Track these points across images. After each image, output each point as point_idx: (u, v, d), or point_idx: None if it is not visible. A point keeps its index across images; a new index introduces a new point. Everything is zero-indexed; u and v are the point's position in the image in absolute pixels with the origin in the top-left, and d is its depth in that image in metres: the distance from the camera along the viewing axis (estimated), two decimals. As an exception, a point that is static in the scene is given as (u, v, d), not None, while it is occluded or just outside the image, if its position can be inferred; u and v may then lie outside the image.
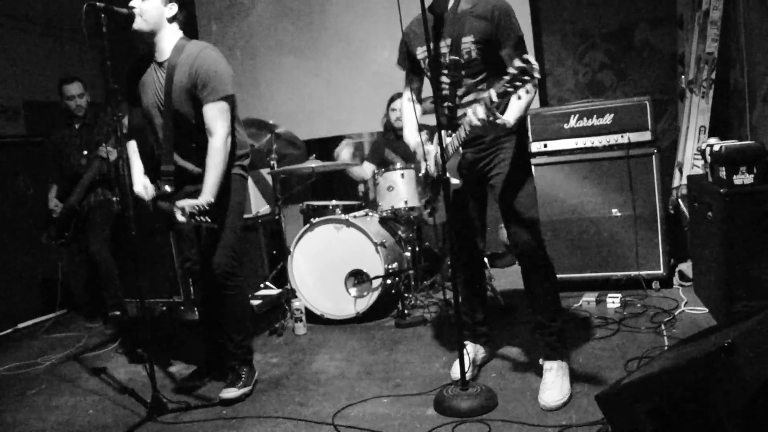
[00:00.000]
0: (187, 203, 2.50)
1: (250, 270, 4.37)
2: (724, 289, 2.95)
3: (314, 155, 4.10)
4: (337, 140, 4.84)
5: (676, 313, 3.31)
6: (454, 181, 2.42)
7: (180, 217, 2.51)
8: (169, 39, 2.71)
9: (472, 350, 2.80)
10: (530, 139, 3.89)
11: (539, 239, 2.49)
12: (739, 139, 3.51)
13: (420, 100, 2.77)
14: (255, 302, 4.00)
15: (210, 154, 2.64)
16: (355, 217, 3.89)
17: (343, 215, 3.87)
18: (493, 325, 3.04)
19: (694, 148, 3.91)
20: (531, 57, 1.97)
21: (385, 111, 4.49)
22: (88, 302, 4.62)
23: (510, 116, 2.27)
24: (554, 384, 2.42)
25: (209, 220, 2.49)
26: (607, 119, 3.81)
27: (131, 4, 2.62)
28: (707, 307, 3.30)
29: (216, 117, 2.64)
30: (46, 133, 4.42)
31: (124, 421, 2.66)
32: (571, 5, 4.86)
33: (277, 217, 4.07)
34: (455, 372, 2.65)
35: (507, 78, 2.00)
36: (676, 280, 3.81)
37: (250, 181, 3.85)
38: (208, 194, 2.57)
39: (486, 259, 3.74)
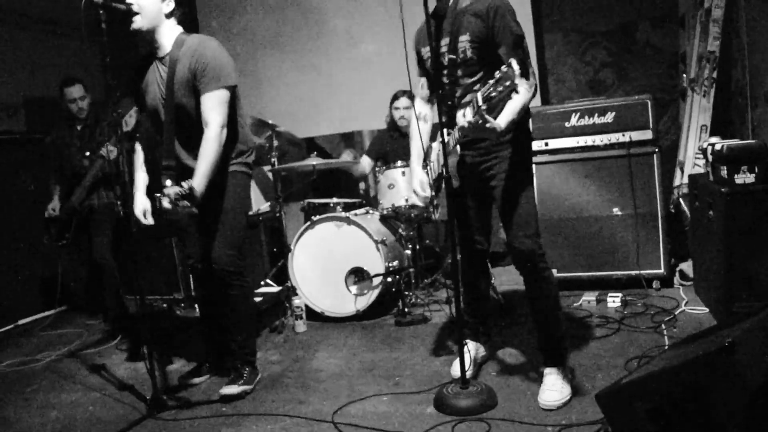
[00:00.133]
0: (171, 190, 2.49)
1: (250, 267, 4.37)
2: (724, 289, 2.95)
3: (315, 153, 4.10)
4: (336, 138, 4.84)
5: (677, 312, 3.31)
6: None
7: (165, 204, 2.51)
8: (169, 34, 2.71)
9: (473, 349, 2.79)
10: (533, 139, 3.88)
11: (538, 247, 2.45)
12: (741, 138, 3.50)
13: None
14: (255, 299, 4.00)
15: (203, 144, 2.61)
16: (355, 214, 3.89)
17: (343, 213, 3.87)
18: (493, 324, 3.04)
19: (696, 147, 3.90)
20: (515, 62, 1.93)
21: (388, 110, 4.47)
22: (89, 301, 4.62)
23: (501, 120, 2.18)
24: (554, 386, 2.41)
25: (189, 205, 2.47)
26: (608, 118, 3.80)
27: (129, 0, 2.60)
28: (707, 307, 3.30)
29: (213, 107, 2.62)
30: (46, 131, 4.41)
31: (124, 418, 2.66)
32: (572, 4, 4.85)
33: (277, 214, 4.07)
34: (455, 370, 2.65)
35: (491, 82, 1.99)
36: (676, 279, 3.81)
37: (250, 179, 3.85)
38: (194, 182, 2.53)
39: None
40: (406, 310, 3.69)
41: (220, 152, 2.64)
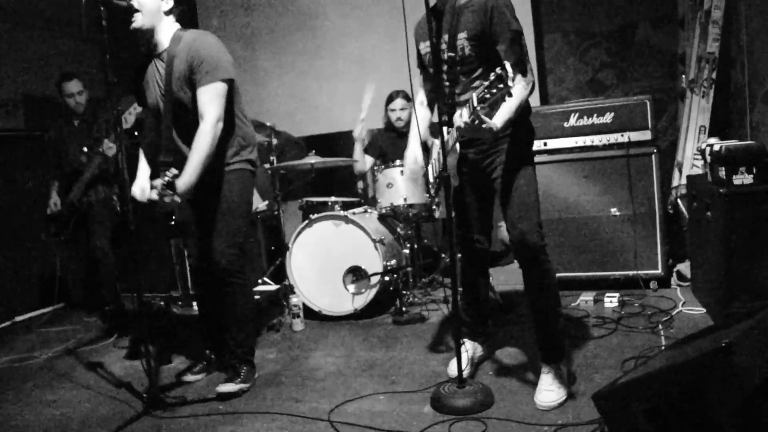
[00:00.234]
0: (158, 181, 2.49)
1: (248, 265, 4.36)
2: (722, 290, 2.95)
3: (313, 151, 4.10)
4: (337, 137, 4.83)
5: (674, 313, 3.31)
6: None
7: (153, 195, 2.51)
8: (167, 31, 2.71)
9: (470, 348, 2.79)
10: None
11: (540, 238, 2.43)
12: (739, 139, 3.50)
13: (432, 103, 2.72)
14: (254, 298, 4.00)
15: (196, 137, 2.59)
16: (354, 213, 3.89)
17: (342, 212, 3.87)
18: (491, 324, 3.04)
19: (694, 147, 3.91)
20: (509, 65, 1.93)
21: (383, 110, 4.46)
22: (87, 297, 4.62)
23: (497, 119, 2.18)
24: (551, 386, 2.41)
25: (172, 194, 2.47)
26: (608, 118, 3.81)
27: None
28: (705, 308, 3.30)
29: (209, 100, 2.60)
30: (44, 128, 4.40)
31: (121, 415, 2.65)
32: (572, 4, 4.84)
33: (276, 212, 4.07)
34: (452, 369, 2.65)
35: (486, 84, 1.98)
36: (674, 280, 3.81)
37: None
38: (184, 174, 2.52)
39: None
40: (403, 309, 3.69)
41: (214, 146, 2.62)
